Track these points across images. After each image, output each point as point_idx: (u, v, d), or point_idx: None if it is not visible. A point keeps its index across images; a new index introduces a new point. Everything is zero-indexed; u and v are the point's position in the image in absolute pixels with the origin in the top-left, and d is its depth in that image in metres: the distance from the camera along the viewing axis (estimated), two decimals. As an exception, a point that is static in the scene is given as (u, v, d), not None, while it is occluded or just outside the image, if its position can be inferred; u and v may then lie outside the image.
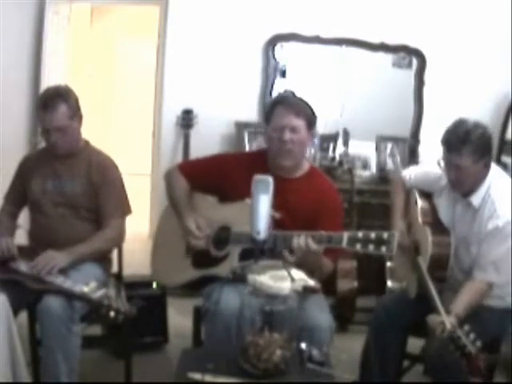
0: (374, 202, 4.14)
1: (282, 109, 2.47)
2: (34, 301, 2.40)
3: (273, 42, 4.51)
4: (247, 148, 4.36)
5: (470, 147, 2.33)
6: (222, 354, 2.07)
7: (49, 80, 4.25)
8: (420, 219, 2.60)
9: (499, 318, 2.46)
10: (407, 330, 2.60)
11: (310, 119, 2.49)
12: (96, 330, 2.97)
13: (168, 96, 4.56)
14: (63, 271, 2.46)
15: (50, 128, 2.60)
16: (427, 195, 2.65)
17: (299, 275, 2.20)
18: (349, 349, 2.80)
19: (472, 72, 4.58)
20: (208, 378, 1.87)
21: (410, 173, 2.76)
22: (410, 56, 4.64)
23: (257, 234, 1.92)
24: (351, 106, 4.63)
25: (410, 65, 4.67)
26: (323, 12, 4.49)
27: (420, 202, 2.64)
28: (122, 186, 2.79)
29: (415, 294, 2.52)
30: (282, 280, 1.99)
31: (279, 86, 4.53)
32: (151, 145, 5.07)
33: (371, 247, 2.07)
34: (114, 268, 2.92)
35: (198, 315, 2.61)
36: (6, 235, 2.65)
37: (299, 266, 2.26)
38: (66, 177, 2.69)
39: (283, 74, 4.58)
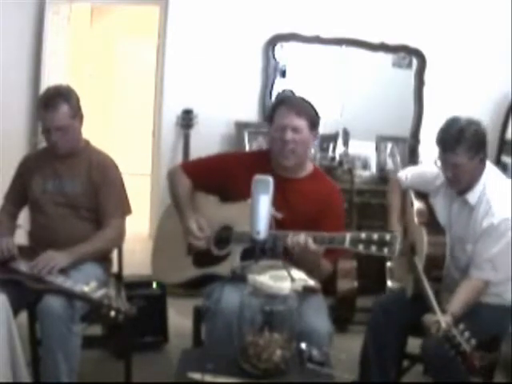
0: (373, 202, 4.14)
1: (284, 109, 2.47)
2: (34, 301, 2.40)
3: (273, 42, 4.51)
4: (247, 148, 4.36)
5: (464, 145, 2.34)
6: (222, 354, 2.07)
7: (49, 80, 4.25)
8: (416, 219, 2.61)
9: (497, 315, 2.47)
10: (406, 330, 2.60)
11: (313, 119, 2.49)
12: (96, 330, 2.97)
13: (168, 96, 4.56)
14: (63, 271, 2.46)
15: (50, 127, 2.60)
16: (423, 196, 2.67)
17: (299, 275, 2.20)
18: (349, 349, 2.79)
19: (472, 72, 4.58)
20: (208, 378, 1.87)
21: (406, 173, 2.78)
22: (410, 56, 4.64)
23: (257, 234, 1.92)
24: (351, 106, 4.63)
25: (410, 65, 4.67)
26: (323, 12, 4.49)
27: (416, 203, 2.66)
28: (123, 185, 2.79)
29: (412, 293, 2.53)
30: (282, 280, 1.99)
31: (279, 86, 4.53)
32: (151, 145, 5.07)
33: (373, 248, 2.08)
34: (114, 268, 2.92)
35: (198, 315, 2.62)
36: (6, 235, 2.65)
37: (298, 265, 2.27)
38: (66, 177, 2.69)
39: (283, 74, 4.58)
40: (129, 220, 2.80)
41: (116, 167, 2.78)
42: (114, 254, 2.91)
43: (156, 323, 3.32)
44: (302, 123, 2.45)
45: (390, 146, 4.63)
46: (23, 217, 2.88)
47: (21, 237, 2.79)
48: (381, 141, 4.62)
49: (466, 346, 2.04)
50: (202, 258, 2.53)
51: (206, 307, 2.39)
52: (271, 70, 4.53)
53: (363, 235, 2.11)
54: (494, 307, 2.45)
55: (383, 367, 2.60)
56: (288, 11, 4.47)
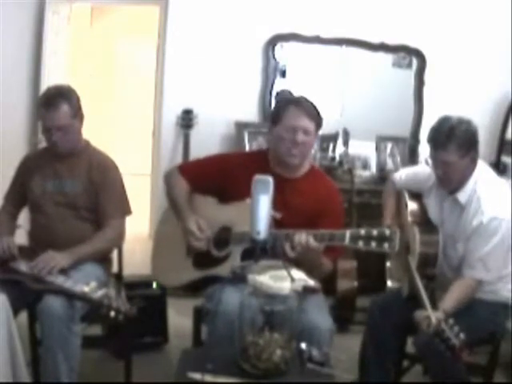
0: (373, 202, 4.13)
1: (295, 110, 2.46)
2: (34, 301, 2.40)
3: (273, 42, 4.51)
4: (247, 148, 4.36)
5: (455, 142, 2.35)
6: (222, 354, 2.07)
7: (49, 80, 4.25)
8: (410, 220, 2.63)
9: (492, 311, 2.48)
10: (404, 330, 2.61)
11: (319, 122, 2.51)
12: (96, 330, 2.97)
13: (168, 96, 4.55)
14: (64, 271, 2.46)
15: (51, 127, 2.60)
16: (417, 196, 2.68)
17: (299, 275, 2.20)
18: (349, 349, 2.79)
19: (472, 72, 4.58)
20: (208, 378, 1.87)
21: (400, 174, 2.81)
22: (410, 56, 4.64)
23: (257, 235, 1.92)
24: (351, 106, 4.63)
25: (410, 65, 4.67)
26: (323, 12, 4.49)
27: (410, 203, 2.68)
28: (123, 186, 2.79)
29: (407, 293, 2.54)
30: (282, 280, 1.99)
31: (279, 86, 4.53)
32: (151, 145, 5.07)
33: (373, 244, 2.10)
34: (114, 268, 2.92)
35: (198, 315, 2.62)
36: (6, 235, 2.65)
37: (298, 264, 2.27)
38: (66, 177, 2.69)
39: (283, 74, 4.58)
40: (129, 220, 2.80)
41: (116, 168, 2.78)
42: (114, 254, 2.91)
43: (156, 323, 3.32)
44: (312, 126, 2.46)
45: (389, 146, 4.63)
46: (23, 217, 2.88)
47: (21, 237, 2.79)
48: (381, 141, 4.62)
49: (455, 340, 2.05)
50: (202, 259, 2.53)
51: (207, 309, 2.38)
52: (271, 70, 4.53)
53: (363, 232, 2.13)
54: (488, 303, 2.46)
55: (382, 367, 2.61)
56: (288, 11, 4.47)
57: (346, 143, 4.51)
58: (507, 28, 4.51)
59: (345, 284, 3.70)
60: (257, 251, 1.94)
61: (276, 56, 4.53)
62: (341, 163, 4.38)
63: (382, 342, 2.59)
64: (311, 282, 2.26)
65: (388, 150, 4.63)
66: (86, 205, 2.69)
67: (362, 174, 4.47)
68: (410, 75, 4.67)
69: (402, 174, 2.78)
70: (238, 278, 2.26)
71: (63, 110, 2.59)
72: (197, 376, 1.87)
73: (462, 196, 2.46)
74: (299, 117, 2.45)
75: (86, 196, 2.68)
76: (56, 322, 2.32)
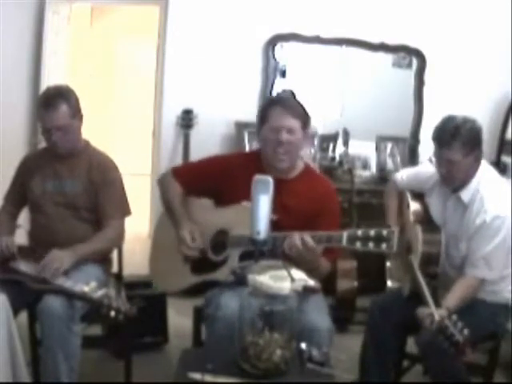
0: (373, 202, 4.14)
1: (278, 109, 2.44)
2: (34, 301, 2.40)
3: (273, 42, 4.51)
4: (247, 148, 4.36)
5: (459, 141, 2.36)
6: (222, 354, 2.06)
7: (49, 80, 4.25)
8: (412, 219, 2.63)
9: (493, 312, 2.48)
10: (404, 329, 2.61)
11: (305, 120, 2.47)
12: (96, 330, 2.97)
13: (168, 96, 4.56)
14: (64, 271, 2.46)
15: (50, 127, 2.60)
16: (419, 196, 2.68)
17: (299, 275, 2.20)
18: (349, 349, 2.80)
19: (472, 72, 4.59)
20: (208, 378, 1.87)
21: (401, 175, 2.81)
22: (410, 56, 4.64)
23: (257, 235, 1.92)
24: (351, 106, 4.63)
25: (410, 65, 4.68)
26: (323, 12, 4.49)
27: (412, 203, 2.68)
28: (122, 187, 2.78)
29: (408, 292, 2.54)
30: (282, 280, 1.99)
31: (279, 86, 4.53)
32: (151, 145, 5.08)
33: (371, 245, 2.07)
34: (114, 268, 2.92)
35: (198, 315, 2.61)
36: (6, 235, 2.65)
37: (297, 265, 2.26)
38: (66, 177, 2.69)
39: (283, 74, 4.58)
40: (129, 220, 2.79)
41: (116, 168, 2.78)
42: (114, 255, 2.91)
43: (156, 323, 3.32)
44: (296, 124, 2.43)
45: (389, 146, 4.63)
46: (23, 217, 2.88)
47: (21, 237, 2.79)
48: (381, 141, 4.62)
49: (459, 336, 2.05)
50: (200, 265, 2.51)
51: (206, 314, 2.37)
52: (271, 70, 4.53)
53: (360, 232, 2.09)
54: (489, 304, 2.47)
55: (383, 367, 2.61)
56: (288, 11, 4.47)
57: (346, 143, 4.51)
58: (507, 28, 4.51)
59: (345, 284, 3.70)
60: (256, 251, 1.94)
61: (276, 56, 4.54)
62: (341, 163, 4.39)
63: (382, 341, 2.59)
64: (311, 282, 2.26)
65: (388, 150, 4.63)
66: (85, 205, 2.69)
67: (362, 174, 4.48)
68: (410, 75, 4.67)
69: (404, 174, 2.79)
70: (238, 279, 2.26)
71: (62, 110, 2.59)
72: (197, 376, 1.87)
73: (466, 195, 2.47)
74: (282, 116, 2.42)
75: (85, 196, 2.68)
76: (56, 321, 2.32)
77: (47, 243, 2.58)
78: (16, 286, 2.40)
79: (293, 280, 2.02)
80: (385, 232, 2.06)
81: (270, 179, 1.93)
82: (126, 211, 2.78)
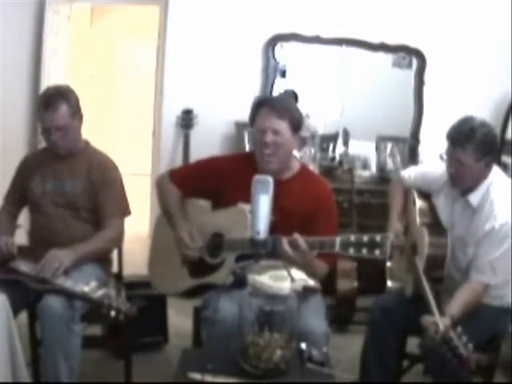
0: (373, 202, 4.14)
1: (265, 110, 2.41)
2: (34, 301, 2.40)
3: (273, 42, 4.51)
4: (247, 148, 4.36)
5: (473, 144, 2.33)
6: (222, 354, 2.06)
7: (49, 80, 4.25)
8: (418, 219, 2.60)
9: (497, 315, 2.47)
10: (405, 330, 2.60)
11: (295, 121, 2.42)
12: (96, 330, 2.97)
13: (168, 96, 4.56)
14: (64, 271, 2.45)
15: (50, 127, 2.60)
16: (426, 195, 2.65)
17: (299, 275, 2.20)
18: (349, 349, 2.80)
19: (472, 72, 4.59)
20: (208, 378, 1.87)
21: (408, 173, 2.76)
22: (410, 56, 4.65)
23: (257, 234, 1.92)
24: (351, 106, 4.63)
25: (410, 65, 4.68)
26: (323, 12, 4.49)
27: (418, 202, 2.64)
28: (122, 187, 2.78)
29: (411, 293, 2.53)
30: (282, 280, 2.00)
31: (279, 86, 4.53)
32: (151, 145, 5.08)
33: (364, 251, 2.01)
34: (114, 268, 2.92)
35: (198, 315, 2.61)
36: (6, 235, 2.65)
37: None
38: (66, 177, 2.69)
39: (283, 74, 4.59)
40: (129, 220, 2.79)
41: (116, 168, 2.78)
42: (114, 254, 2.91)
43: (156, 323, 3.32)
44: (283, 125, 2.39)
45: (389, 146, 4.63)
46: (23, 217, 2.87)
47: (21, 237, 2.79)
48: (381, 141, 4.62)
49: (463, 350, 2.03)
50: (198, 268, 2.50)
51: (205, 316, 2.36)
52: (271, 70, 4.53)
53: (353, 238, 2.03)
54: (493, 308, 2.45)
55: (383, 367, 2.60)
56: (288, 11, 4.48)
57: (346, 143, 4.51)
58: (507, 28, 4.51)
59: (345, 284, 3.70)
60: (256, 251, 1.94)
61: (276, 56, 4.54)
62: (341, 163, 4.39)
63: (383, 342, 2.57)
64: (311, 282, 2.26)
65: (388, 150, 4.63)
66: (85, 205, 2.68)
67: (362, 174, 4.48)
68: (410, 75, 4.67)
69: (411, 173, 2.74)
70: (238, 279, 2.26)
71: (62, 110, 2.58)
72: (197, 376, 1.87)
73: (474, 198, 2.44)
74: (267, 117, 2.39)
75: (85, 196, 2.68)
76: (56, 321, 2.32)
77: (47, 243, 2.58)
78: (16, 285, 2.39)
79: (293, 280, 2.02)
80: (378, 238, 2.00)
81: (270, 179, 1.93)
82: (125, 211, 2.78)
